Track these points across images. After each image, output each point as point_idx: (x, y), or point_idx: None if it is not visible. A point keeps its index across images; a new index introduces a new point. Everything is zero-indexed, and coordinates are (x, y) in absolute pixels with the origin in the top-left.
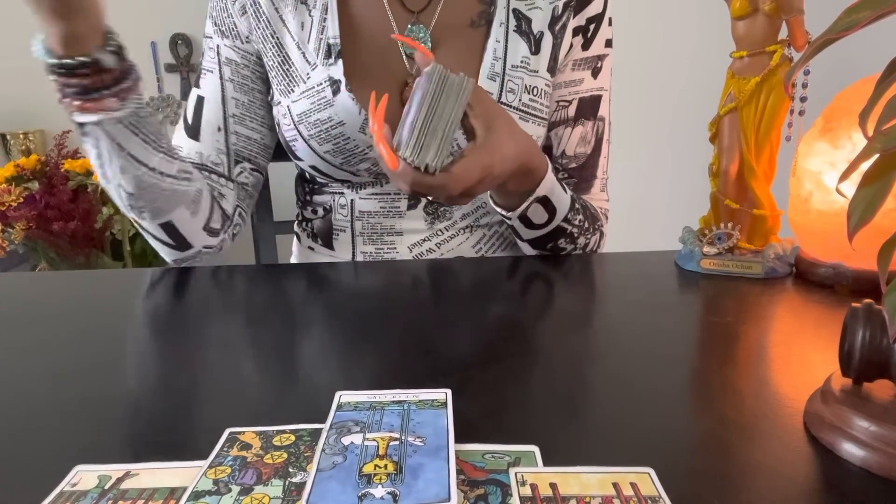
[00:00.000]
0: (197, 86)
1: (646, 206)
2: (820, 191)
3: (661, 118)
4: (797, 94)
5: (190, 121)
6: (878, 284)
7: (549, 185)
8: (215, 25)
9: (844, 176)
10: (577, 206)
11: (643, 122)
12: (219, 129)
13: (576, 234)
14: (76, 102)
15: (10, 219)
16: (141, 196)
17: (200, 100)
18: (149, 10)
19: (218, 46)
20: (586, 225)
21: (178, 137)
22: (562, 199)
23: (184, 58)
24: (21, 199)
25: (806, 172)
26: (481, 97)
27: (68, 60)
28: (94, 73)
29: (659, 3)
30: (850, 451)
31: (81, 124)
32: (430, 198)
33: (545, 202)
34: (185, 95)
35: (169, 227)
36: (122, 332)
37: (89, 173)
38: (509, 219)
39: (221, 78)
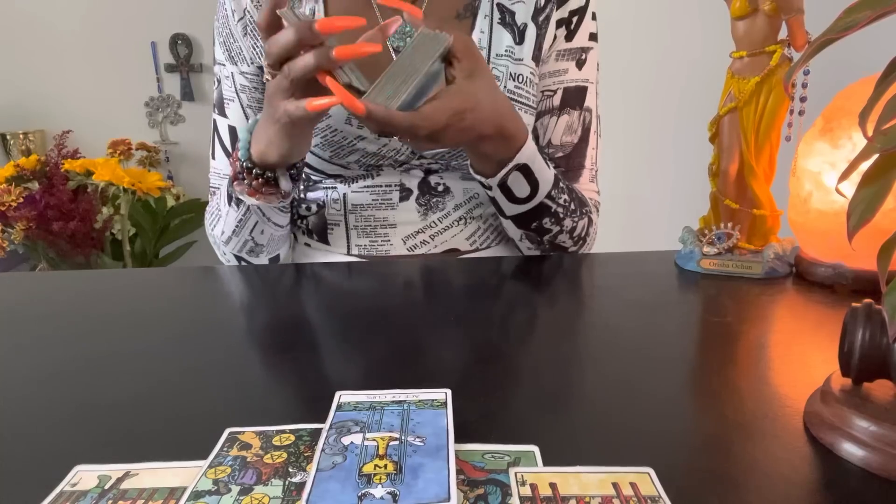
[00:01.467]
0: (223, 114)
1: (646, 206)
2: (820, 191)
3: (661, 118)
4: (797, 94)
5: (231, 150)
6: (878, 284)
7: (530, 153)
8: (227, 51)
9: (844, 176)
10: (561, 185)
11: (643, 122)
12: None
13: (561, 215)
14: (245, 187)
15: (10, 219)
16: (267, 246)
17: (233, 129)
18: (149, 10)
19: (233, 74)
20: (573, 206)
21: (226, 166)
22: (544, 172)
23: (184, 58)
24: (21, 199)
25: (806, 172)
26: (471, 51)
27: (257, 171)
28: (271, 186)
29: (659, 3)
30: (850, 451)
31: (241, 200)
32: (395, 139)
33: (526, 171)
34: (185, 95)
35: (274, 259)
36: (122, 332)
37: (89, 173)
38: (490, 188)
39: (242, 106)
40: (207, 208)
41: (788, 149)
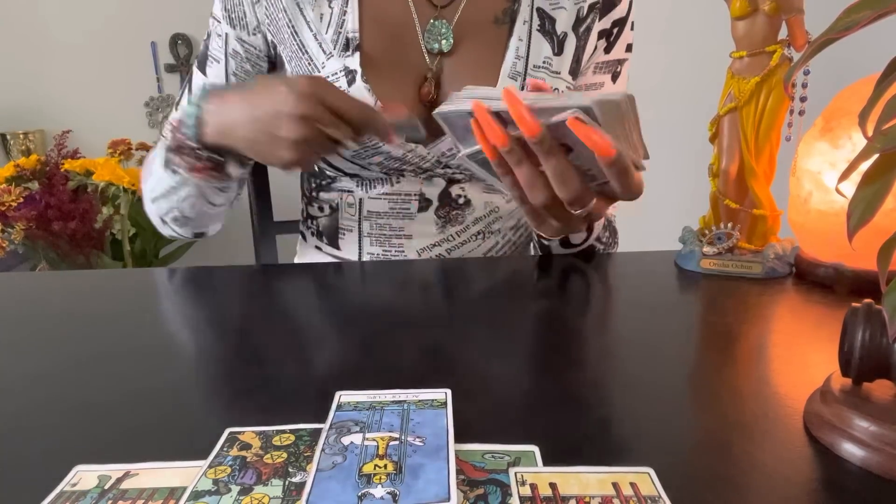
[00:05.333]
0: (202, 70)
1: (646, 206)
2: (820, 191)
3: (661, 118)
4: (797, 94)
5: None
6: (878, 284)
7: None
8: (226, 11)
9: (844, 176)
10: (604, 221)
11: (643, 122)
12: None
13: (601, 250)
14: (185, 163)
15: (10, 219)
16: (195, 220)
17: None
18: (149, 10)
19: (227, 35)
20: (609, 240)
21: None
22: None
23: (184, 58)
24: (21, 199)
25: (806, 172)
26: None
27: (204, 153)
28: (217, 169)
29: (658, 3)
30: (850, 451)
31: (176, 169)
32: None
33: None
34: None
35: (200, 234)
36: (121, 332)
37: (89, 173)
38: (549, 239)
39: (226, 71)
40: (147, 156)
41: (788, 149)
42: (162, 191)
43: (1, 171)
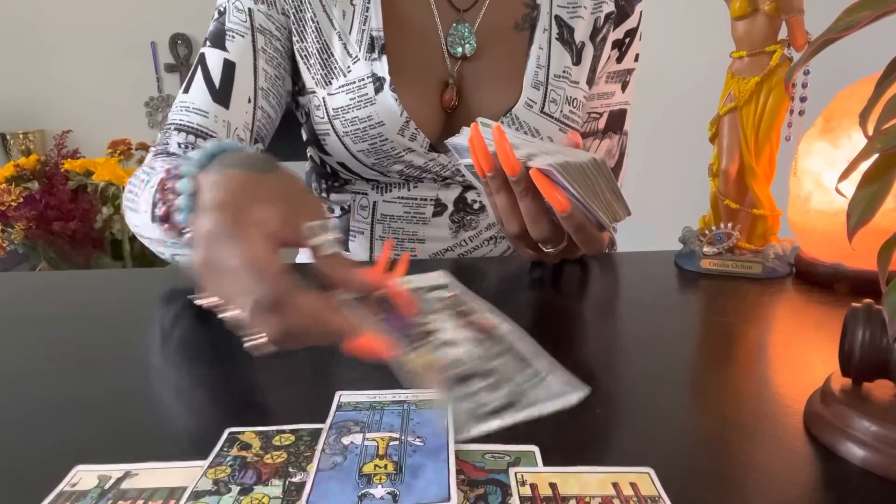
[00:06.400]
0: (222, 47)
1: (646, 206)
2: (820, 191)
3: (661, 118)
4: (797, 94)
5: (218, 84)
6: (878, 284)
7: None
8: None
9: (844, 176)
10: None
11: (643, 122)
12: (248, 101)
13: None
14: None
15: (10, 219)
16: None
17: (230, 65)
18: (149, 10)
19: (250, 10)
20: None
21: (200, 99)
22: None
23: (184, 58)
24: (21, 199)
25: (806, 172)
26: None
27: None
28: None
29: (659, 3)
30: (850, 451)
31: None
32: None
33: None
34: None
35: None
36: (122, 332)
37: (89, 173)
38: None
39: (254, 46)
40: (137, 174)
41: (788, 149)
42: (151, 237)
43: (1, 171)
